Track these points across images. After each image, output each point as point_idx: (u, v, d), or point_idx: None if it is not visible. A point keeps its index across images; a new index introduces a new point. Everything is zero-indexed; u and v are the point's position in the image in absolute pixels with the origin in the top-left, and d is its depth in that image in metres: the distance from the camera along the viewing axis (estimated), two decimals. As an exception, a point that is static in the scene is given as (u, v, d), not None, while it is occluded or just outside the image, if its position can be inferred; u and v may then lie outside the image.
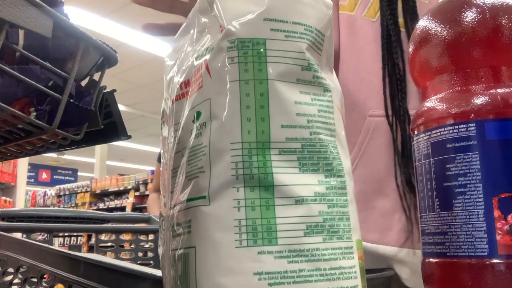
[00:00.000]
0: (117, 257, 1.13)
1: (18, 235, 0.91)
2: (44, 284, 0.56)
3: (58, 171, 11.31)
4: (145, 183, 7.51)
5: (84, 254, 0.59)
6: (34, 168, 10.48)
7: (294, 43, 0.35)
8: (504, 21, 0.45)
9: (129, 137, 0.60)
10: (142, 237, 1.20)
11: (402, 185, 0.75)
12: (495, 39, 0.45)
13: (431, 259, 0.47)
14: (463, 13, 0.46)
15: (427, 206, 0.47)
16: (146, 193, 7.40)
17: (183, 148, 0.37)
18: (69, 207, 7.93)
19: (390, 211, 0.77)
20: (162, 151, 0.43)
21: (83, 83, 0.52)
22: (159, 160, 1.55)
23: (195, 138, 0.35)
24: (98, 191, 8.25)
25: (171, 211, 0.37)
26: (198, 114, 0.35)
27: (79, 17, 5.12)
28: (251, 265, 0.31)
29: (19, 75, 0.39)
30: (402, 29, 0.80)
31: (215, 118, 0.34)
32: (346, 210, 0.34)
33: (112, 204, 8.00)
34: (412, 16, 0.80)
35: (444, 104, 0.46)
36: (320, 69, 0.36)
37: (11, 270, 0.62)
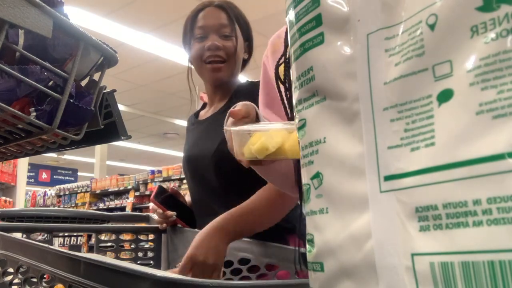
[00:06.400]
0: (117, 257, 1.13)
1: (18, 235, 0.91)
2: (44, 284, 0.56)
3: (58, 171, 11.30)
4: (145, 183, 7.50)
5: (84, 254, 0.59)
6: (34, 168, 10.48)
7: None
8: None
9: (129, 137, 0.60)
10: (142, 237, 1.20)
11: None
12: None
13: None
14: None
15: None
16: (146, 193, 7.39)
17: None
18: (69, 207, 7.93)
19: None
20: None
21: (83, 83, 0.52)
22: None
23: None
24: (98, 191, 8.24)
25: None
26: None
27: (79, 17, 5.11)
28: None
29: (19, 75, 0.39)
30: None
31: None
32: None
33: (112, 204, 7.99)
34: None
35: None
36: None
37: (11, 270, 0.62)
